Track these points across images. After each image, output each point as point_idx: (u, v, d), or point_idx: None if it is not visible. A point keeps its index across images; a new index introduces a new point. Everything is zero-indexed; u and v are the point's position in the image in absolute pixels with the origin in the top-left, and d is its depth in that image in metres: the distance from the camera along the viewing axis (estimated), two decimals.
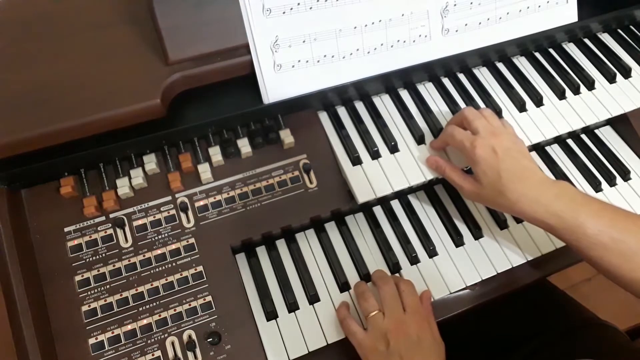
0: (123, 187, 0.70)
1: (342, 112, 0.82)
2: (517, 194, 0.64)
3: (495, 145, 0.66)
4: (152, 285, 0.68)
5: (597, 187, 0.83)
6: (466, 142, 0.68)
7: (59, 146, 0.66)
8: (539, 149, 0.89)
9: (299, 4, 0.71)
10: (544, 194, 0.64)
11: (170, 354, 0.66)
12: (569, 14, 0.86)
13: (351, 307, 0.71)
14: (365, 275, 0.74)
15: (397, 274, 0.75)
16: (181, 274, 0.69)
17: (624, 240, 0.61)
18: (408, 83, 0.85)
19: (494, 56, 0.89)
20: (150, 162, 0.72)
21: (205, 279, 0.69)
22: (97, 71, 0.69)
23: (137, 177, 0.71)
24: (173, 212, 0.72)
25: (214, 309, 0.68)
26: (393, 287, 0.67)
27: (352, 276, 0.75)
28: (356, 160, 0.76)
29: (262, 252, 0.76)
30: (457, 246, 0.77)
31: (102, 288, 0.67)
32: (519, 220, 0.79)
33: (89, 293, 0.67)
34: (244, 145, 0.74)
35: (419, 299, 0.68)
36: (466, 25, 0.81)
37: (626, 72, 0.88)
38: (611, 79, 0.87)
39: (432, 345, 0.63)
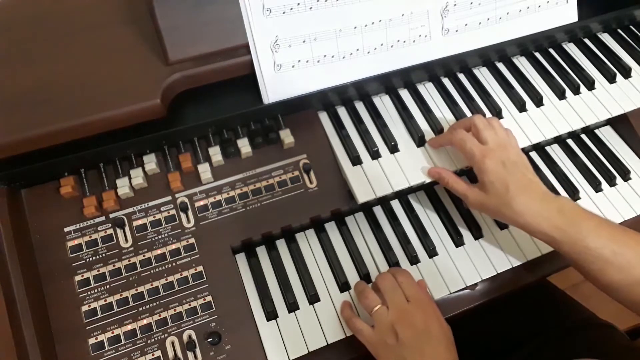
0: (123, 187, 0.70)
1: (342, 112, 0.82)
2: (522, 206, 0.65)
3: (504, 158, 0.68)
4: (152, 285, 0.68)
5: (597, 187, 0.83)
6: (476, 151, 0.69)
7: (59, 146, 0.66)
8: (539, 149, 0.89)
9: (299, 4, 0.71)
10: (547, 207, 0.65)
11: (170, 354, 0.66)
12: (569, 14, 0.86)
13: (353, 308, 0.71)
14: (365, 275, 0.74)
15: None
16: (181, 274, 0.69)
17: (623, 253, 0.62)
18: (408, 83, 0.85)
19: (494, 56, 0.89)
20: (150, 162, 0.72)
21: (205, 279, 0.69)
22: (97, 71, 0.69)
23: (137, 177, 0.71)
24: (173, 212, 0.72)
25: (214, 309, 0.68)
26: (392, 279, 0.67)
27: (352, 276, 0.75)
28: (356, 160, 0.76)
29: (262, 252, 0.76)
30: (457, 246, 0.77)
31: (102, 288, 0.67)
32: None
33: (89, 293, 0.67)
34: (244, 145, 0.74)
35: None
36: (466, 25, 0.81)
37: (626, 72, 0.88)
38: (611, 79, 0.87)
39: (440, 332, 0.63)
